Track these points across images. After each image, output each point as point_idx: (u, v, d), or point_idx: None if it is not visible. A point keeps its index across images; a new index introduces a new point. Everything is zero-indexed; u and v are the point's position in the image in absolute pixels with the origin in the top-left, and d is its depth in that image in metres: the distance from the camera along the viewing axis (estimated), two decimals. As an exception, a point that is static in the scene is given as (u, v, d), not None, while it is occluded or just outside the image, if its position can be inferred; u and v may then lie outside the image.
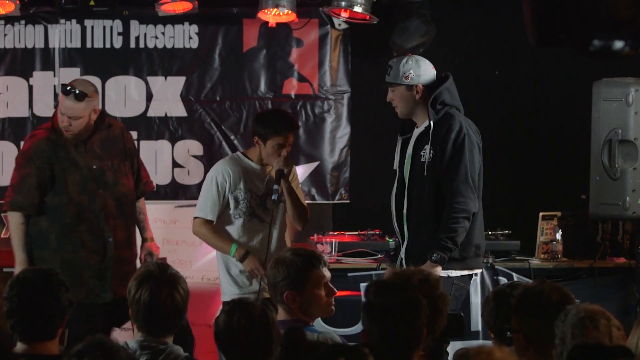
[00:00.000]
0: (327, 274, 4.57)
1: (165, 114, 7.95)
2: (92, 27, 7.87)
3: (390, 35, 7.85)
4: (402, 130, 6.17)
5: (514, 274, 7.18)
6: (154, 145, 7.81)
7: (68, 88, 6.17)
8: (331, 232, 7.75)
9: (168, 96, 7.93)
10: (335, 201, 8.13)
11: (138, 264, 6.34)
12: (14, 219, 6.22)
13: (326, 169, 8.11)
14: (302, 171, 7.92)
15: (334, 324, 6.34)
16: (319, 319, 6.38)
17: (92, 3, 7.51)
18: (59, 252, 6.15)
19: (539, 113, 8.13)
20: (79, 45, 7.86)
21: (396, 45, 7.85)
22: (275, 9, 7.57)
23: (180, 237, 7.63)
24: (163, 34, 7.95)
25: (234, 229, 6.22)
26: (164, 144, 7.91)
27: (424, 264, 5.70)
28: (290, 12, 7.59)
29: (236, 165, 6.27)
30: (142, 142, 7.82)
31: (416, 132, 6.04)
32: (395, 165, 6.14)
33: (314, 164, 8.09)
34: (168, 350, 4.07)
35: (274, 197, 6.13)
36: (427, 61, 6.07)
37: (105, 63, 7.88)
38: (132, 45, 7.91)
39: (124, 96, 7.75)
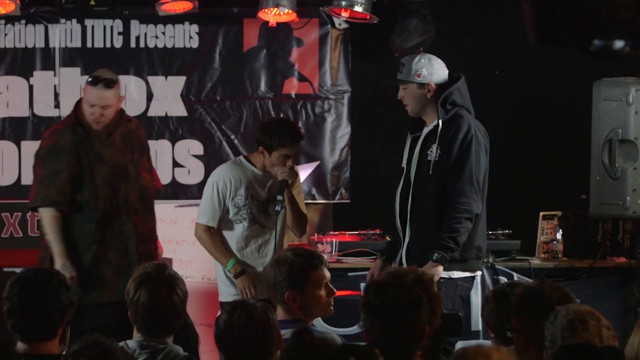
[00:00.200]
0: (327, 274, 4.57)
1: (166, 114, 7.96)
2: (93, 27, 7.88)
3: (391, 35, 7.86)
4: (412, 128, 6.14)
5: (515, 274, 7.18)
6: (155, 145, 7.81)
7: (95, 78, 6.09)
8: (331, 232, 7.75)
9: (168, 96, 7.94)
10: (336, 201, 8.14)
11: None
12: (48, 214, 6.03)
13: (326, 169, 8.12)
14: (302, 171, 7.93)
15: (334, 324, 6.35)
16: (319, 319, 6.39)
17: (92, 3, 7.52)
18: (91, 249, 6.04)
19: (539, 113, 8.13)
20: (79, 44, 7.87)
21: (396, 45, 7.85)
22: (276, 9, 7.57)
23: (180, 237, 7.63)
24: (163, 33, 7.95)
25: (235, 234, 6.22)
26: (165, 144, 7.92)
27: (426, 264, 5.70)
28: (290, 11, 7.59)
29: (238, 171, 6.24)
30: (142, 142, 7.83)
31: (425, 130, 6.02)
32: (404, 163, 6.11)
33: (314, 164, 8.09)
34: (167, 350, 4.07)
35: (278, 207, 6.11)
36: (440, 60, 6.03)
37: (106, 63, 7.85)
38: (133, 44, 7.91)
39: (124, 96, 7.76)
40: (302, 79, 8.09)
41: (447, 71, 6.02)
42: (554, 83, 8.03)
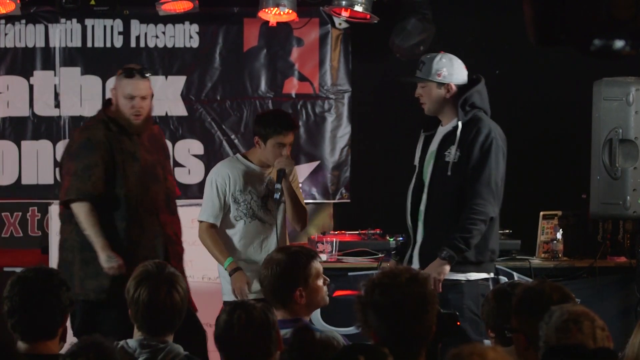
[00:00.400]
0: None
1: (166, 114, 7.96)
2: (93, 27, 7.88)
3: (390, 35, 7.86)
4: (425, 126, 6.13)
5: (515, 274, 7.17)
6: (155, 145, 7.81)
7: (129, 70, 6.05)
8: (332, 232, 7.75)
9: (168, 95, 7.94)
10: (336, 200, 8.14)
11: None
12: (83, 208, 5.88)
13: (327, 169, 8.12)
14: (302, 171, 7.93)
15: (334, 324, 6.35)
16: (319, 318, 6.40)
17: (92, 2, 7.53)
18: (122, 247, 5.93)
19: (539, 113, 8.12)
20: (79, 44, 7.87)
21: (395, 45, 7.85)
22: (276, 8, 7.57)
23: (180, 237, 7.62)
24: (164, 33, 7.96)
25: (235, 231, 6.22)
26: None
27: (433, 262, 5.70)
28: (290, 11, 7.59)
29: (235, 167, 6.25)
30: (142, 142, 7.83)
31: (441, 129, 5.99)
32: (416, 161, 6.09)
33: (315, 164, 8.10)
34: (168, 349, 4.07)
35: (277, 195, 6.13)
36: (460, 61, 6.00)
37: (106, 62, 7.89)
38: (133, 44, 7.92)
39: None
40: (302, 78, 8.09)
41: (467, 72, 6.01)
42: (554, 83, 8.02)
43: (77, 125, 7.87)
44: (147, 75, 6.08)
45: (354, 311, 3.75)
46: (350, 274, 7.06)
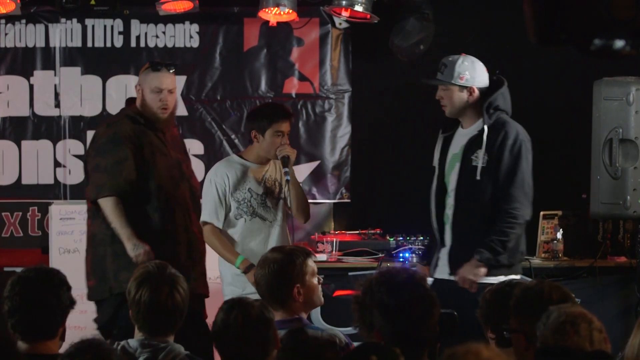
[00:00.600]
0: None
1: (166, 113, 7.96)
2: (93, 26, 7.88)
3: (390, 35, 7.85)
4: (444, 127, 6.09)
5: (515, 274, 7.17)
6: (155, 145, 7.81)
7: (155, 64, 6.06)
8: (332, 231, 7.75)
9: (169, 95, 7.94)
10: (336, 200, 8.14)
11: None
12: (109, 202, 5.86)
13: (327, 168, 8.12)
14: (302, 170, 7.93)
15: (334, 324, 6.34)
16: (319, 318, 6.40)
17: (92, 2, 7.52)
18: (158, 239, 5.91)
19: (539, 112, 8.11)
20: (79, 44, 7.87)
21: (395, 45, 7.85)
22: (276, 8, 7.58)
23: (181, 236, 7.62)
24: (164, 33, 7.96)
25: (237, 230, 6.21)
26: (165, 143, 7.92)
27: (468, 262, 5.68)
28: (291, 11, 7.59)
29: (233, 167, 6.25)
30: (142, 141, 7.83)
31: (462, 132, 5.96)
32: (435, 162, 6.07)
33: (315, 163, 8.10)
34: (168, 349, 4.07)
35: (287, 177, 6.11)
36: (481, 63, 5.98)
37: (106, 62, 7.90)
38: (133, 44, 7.92)
39: (124, 95, 7.74)
40: (302, 78, 8.09)
41: (487, 74, 5.99)
42: (554, 83, 8.02)
43: (77, 125, 7.88)
44: (174, 68, 6.11)
45: (352, 311, 3.75)
46: (350, 273, 7.06)
